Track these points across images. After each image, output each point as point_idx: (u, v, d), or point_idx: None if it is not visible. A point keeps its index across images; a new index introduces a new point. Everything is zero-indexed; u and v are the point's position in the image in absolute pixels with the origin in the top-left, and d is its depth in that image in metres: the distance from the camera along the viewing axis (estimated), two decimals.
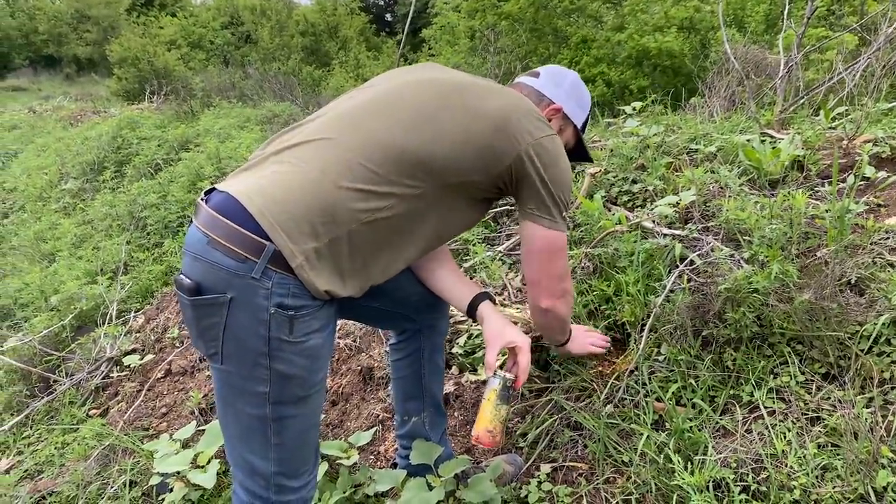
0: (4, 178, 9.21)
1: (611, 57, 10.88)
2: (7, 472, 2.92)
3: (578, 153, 1.91)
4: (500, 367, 1.75)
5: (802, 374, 1.92)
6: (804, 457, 1.71)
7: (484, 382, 2.22)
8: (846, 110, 3.30)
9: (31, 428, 3.28)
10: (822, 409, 1.83)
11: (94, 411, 3.31)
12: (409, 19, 4.72)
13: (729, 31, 9.00)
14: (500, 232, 3.20)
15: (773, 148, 2.78)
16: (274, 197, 1.37)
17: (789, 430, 1.80)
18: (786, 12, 4.17)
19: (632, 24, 10.85)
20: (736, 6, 10.38)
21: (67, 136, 10.11)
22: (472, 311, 1.78)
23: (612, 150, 3.29)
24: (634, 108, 3.66)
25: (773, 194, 2.57)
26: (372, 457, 2.40)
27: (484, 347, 1.89)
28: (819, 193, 2.54)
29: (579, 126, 1.86)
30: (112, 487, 2.56)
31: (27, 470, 2.89)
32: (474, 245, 3.04)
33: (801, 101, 3.50)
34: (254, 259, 1.33)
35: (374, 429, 2.46)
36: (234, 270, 1.34)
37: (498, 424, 1.65)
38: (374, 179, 1.43)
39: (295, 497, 1.58)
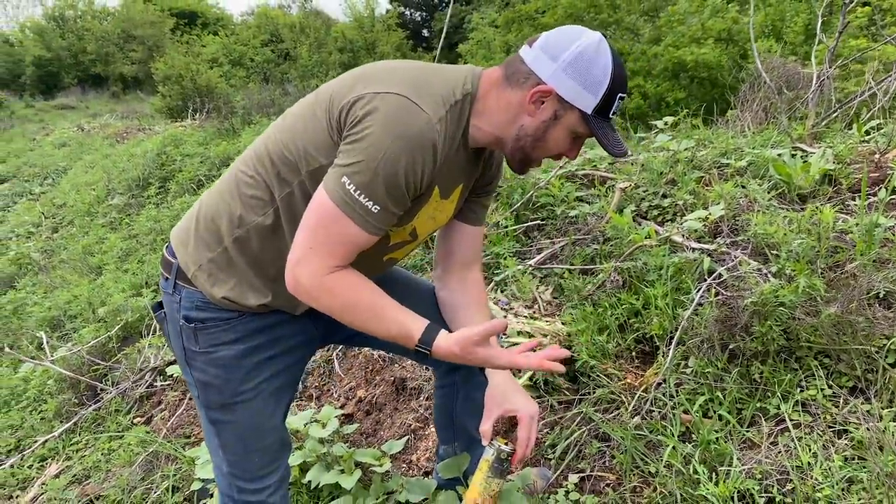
0: (54, 194, 9.56)
1: (647, 69, 10.86)
2: (56, 476, 3.05)
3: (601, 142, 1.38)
4: (509, 432, 1.64)
5: (829, 387, 1.94)
6: (830, 469, 1.73)
7: None
8: (879, 124, 3.28)
9: (79, 435, 3.41)
10: (849, 423, 1.84)
11: (138, 419, 3.44)
12: (443, 34, 4.81)
13: (767, 43, 8.94)
14: (532, 246, 3.25)
15: (804, 162, 2.79)
16: (185, 218, 1.53)
17: (815, 443, 1.81)
18: (819, 25, 4.16)
19: (668, 37, 10.83)
20: (774, 17, 10.29)
21: (114, 153, 10.45)
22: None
23: (642, 165, 3.32)
24: (666, 123, 3.68)
25: (802, 208, 2.58)
26: (404, 465, 2.46)
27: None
28: (849, 207, 2.54)
29: (589, 111, 1.33)
30: (155, 492, 2.66)
31: (75, 475, 3.01)
32: (505, 259, 3.09)
33: (834, 114, 3.49)
34: (167, 276, 1.49)
35: (406, 438, 2.53)
36: (163, 289, 1.52)
37: (487, 498, 1.46)
38: (251, 184, 1.41)
39: (255, 499, 1.64)
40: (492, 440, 1.47)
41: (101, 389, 3.73)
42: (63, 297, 5.10)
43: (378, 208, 1.26)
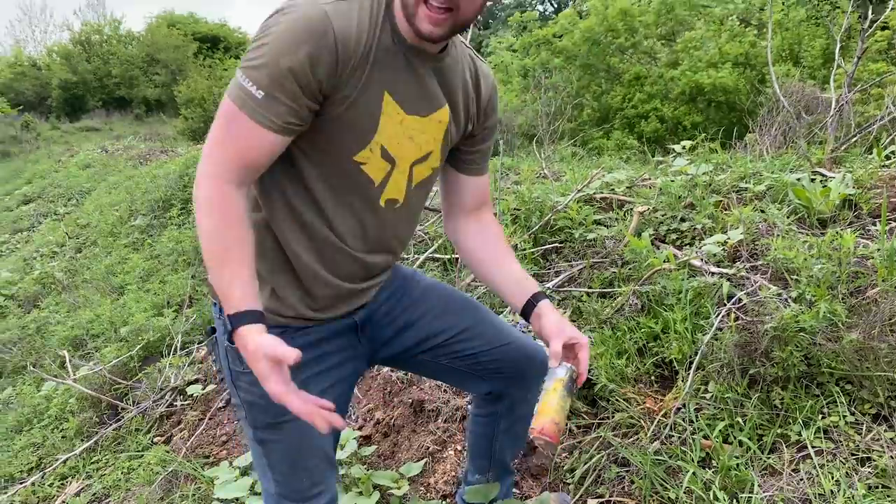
0: (78, 215, 9.70)
1: (664, 93, 10.90)
2: (77, 494, 3.08)
3: None
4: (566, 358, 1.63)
5: (852, 414, 1.92)
6: (853, 497, 1.71)
7: None
8: None
9: (99, 453, 3.44)
10: (872, 450, 1.82)
11: (158, 438, 3.46)
12: None
13: (784, 67, 8.95)
14: (550, 269, 3.26)
15: (824, 187, 2.79)
16: None
17: (838, 471, 1.79)
18: (837, 50, 4.17)
19: (686, 61, 10.86)
20: (791, 41, 10.31)
21: (137, 174, 10.60)
22: (529, 308, 1.57)
23: (660, 189, 3.33)
24: (684, 147, 3.69)
25: (822, 233, 2.57)
26: (422, 488, 2.46)
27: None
28: (870, 232, 2.54)
29: None
30: None
31: (95, 493, 3.03)
32: None
33: (854, 139, 3.49)
34: (214, 300, 1.46)
35: (424, 461, 2.53)
36: (214, 313, 1.50)
37: (563, 417, 1.48)
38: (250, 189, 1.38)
39: None
40: (560, 362, 1.49)
41: (122, 408, 3.76)
42: (86, 317, 5.16)
43: (262, 93, 1.20)
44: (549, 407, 1.46)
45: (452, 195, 1.65)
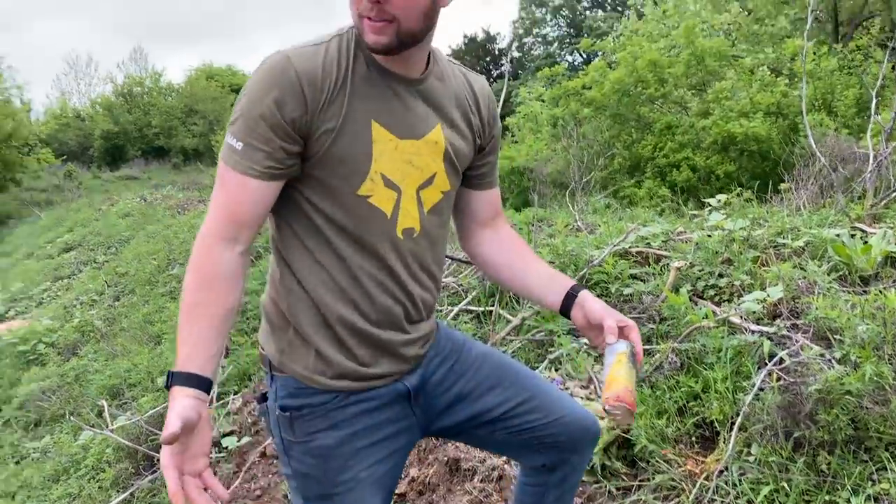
0: (117, 263, 9.92)
1: (696, 142, 10.88)
2: None
3: None
4: None
5: None
6: None
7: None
8: None
9: None
10: None
11: None
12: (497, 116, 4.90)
13: (818, 116, 8.91)
14: None
15: (865, 244, 2.76)
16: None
17: None
18: (874, 104, 4.16)
19: (717, 110, 10.87)
20: (824, 91, 10.28)
21: (175, 223, 10.85)
22: (569, 301, 1.53)
23: (696, 244, 3.32)
24: (719, 201, 3.69)
25: (864, 292, 2.54)
26: None
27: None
28: None
29: None
30: None
31: None
32: (559, 336, 3.09)
33: (894, 194, 3.45)
34: (265, 368, 1.47)
35: None
36: (265, 382, 1.49)
37: (634, 386, 1.40)
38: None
39: None
40: (618, 339, 1.45)
41: (158, 459, 3.78)
42: (123, 366, 5.24)
43: (241, 144, 1.26)
44: (620, 376, 1.40)
45: (465, 211, 1.63)
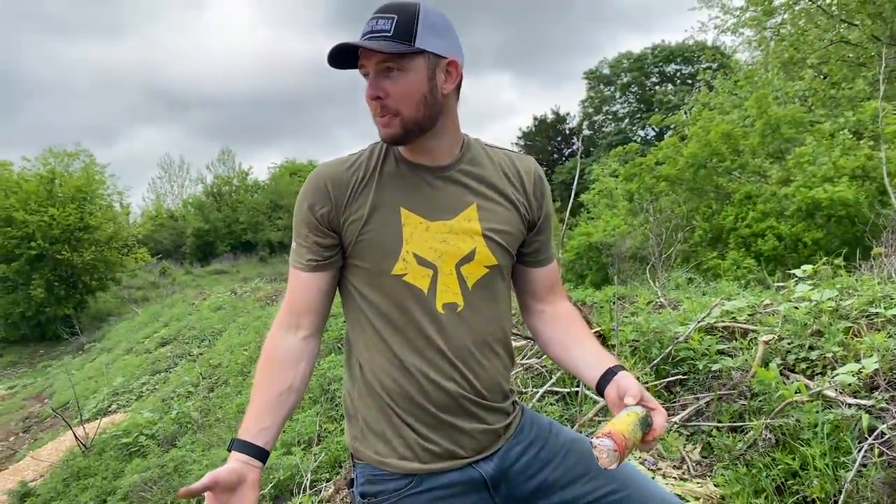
0: (211, 355, 10.33)
1: (779, 211, 10.64)
2: None
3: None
4: None
5: None
6: None
7: None
8: None
9: None
10: None
11: None
12: (572, 195, 5.02)
13: None
14: (675, 402, 3.21)
15: None
16: None
17: None
18: None
19: (799, 177, 10.65)
20: None
21: (265, 314, 11.27)
22: (607, 377, 1.49)
23: (784, 316, 3.27)
24: (805, 272, 3.63)
25: None
26: None
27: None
28: None
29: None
30: None
31: None
32: None
33: None
34: (353, 452, 1.56)
35: None
36: (352, 466, 1.57)
37: (632, 439, 1.34)
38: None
39: None
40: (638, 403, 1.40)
41: None
42: (220, 455, 5.41)
43: (295, 245, 1.52)
44: (621, 423, 1.35)
45: (523, 287, 1.68)
